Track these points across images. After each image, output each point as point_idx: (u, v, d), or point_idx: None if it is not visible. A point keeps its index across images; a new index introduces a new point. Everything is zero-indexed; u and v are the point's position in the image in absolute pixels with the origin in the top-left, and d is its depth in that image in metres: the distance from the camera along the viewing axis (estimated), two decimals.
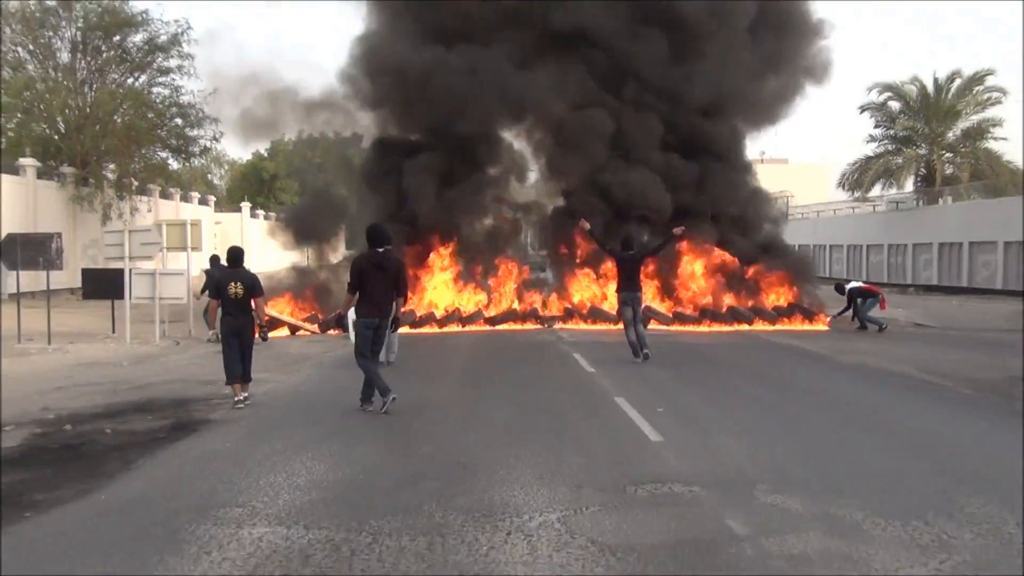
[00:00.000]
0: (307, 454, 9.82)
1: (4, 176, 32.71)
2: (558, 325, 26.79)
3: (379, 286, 12.24)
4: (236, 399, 12.83)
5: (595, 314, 27.30)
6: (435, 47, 28.95)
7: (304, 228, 30.11)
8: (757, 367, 17.77)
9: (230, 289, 12.89)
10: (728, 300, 28.38)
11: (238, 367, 12.94)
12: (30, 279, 23.42)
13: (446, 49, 28.79)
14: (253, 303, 13.10)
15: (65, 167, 36.03)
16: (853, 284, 28.14)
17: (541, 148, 32.08)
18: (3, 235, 22.75)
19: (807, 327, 26.92)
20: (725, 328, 26.52)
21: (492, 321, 27.04)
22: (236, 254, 13.45)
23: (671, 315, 27.31)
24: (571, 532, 6.95)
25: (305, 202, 31.70)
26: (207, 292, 21.39)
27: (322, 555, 6.46)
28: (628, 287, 18.07)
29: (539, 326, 26.69)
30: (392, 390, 12.25)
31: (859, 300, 26.33)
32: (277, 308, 25.77)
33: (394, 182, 29.44)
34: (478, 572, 6.09)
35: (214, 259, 22.67)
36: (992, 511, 7.50)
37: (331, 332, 21.18)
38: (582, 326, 26.59)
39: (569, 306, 28.16)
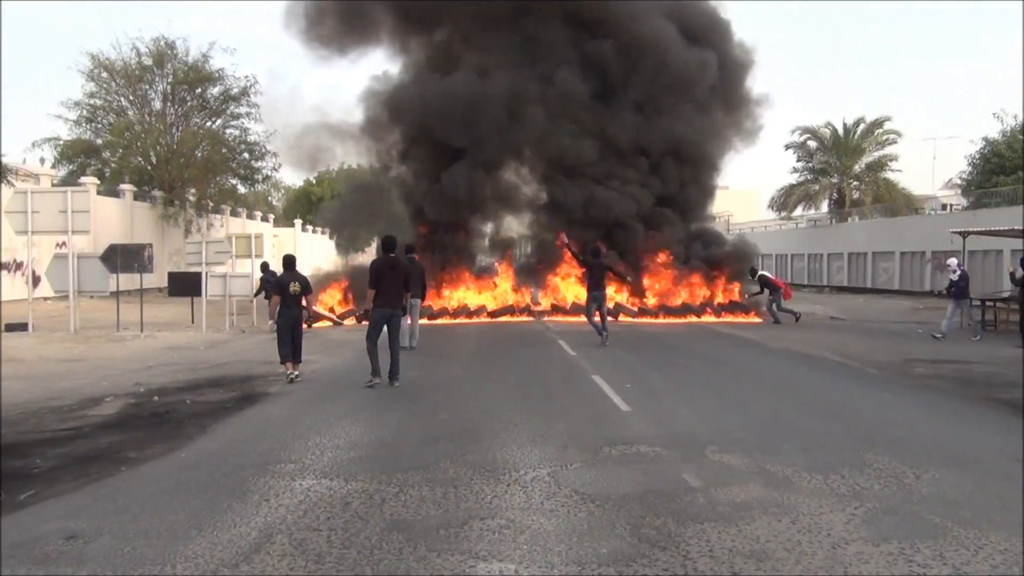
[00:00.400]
0: (346, 420, 9.73)
1: (108, 199, 32.72)
2: (546, 318, 26.68)
3: (392, 283, 12.39)
4: (288, 374, 12.78)
5: (577, 309, 27.18)
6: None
7: (344, 238, 30.01)
8: (705, 351, 17.66)
9: (291, 287, 12.97)
10: (683, 296, 28.25)
11: (288, 349, 12.96)
12: (127, 280, 23.30)
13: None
14: (304, 299, 13.21)
15: (156, 191, 36.10)
16: (762, 272, 27.85)
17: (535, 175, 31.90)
18: (107, 245, 22.71)
19: (745, 319, 26.82)
20: (679, 320, 26.42)
21: (493, 314, 26.94)
22: (290, 260, 13.49)
23: (637, 309, 27.21)
24: (559, 484, 6.85)
25: (346, 216, 31.26)
26: (263, 293, 21.36)
27: (358, 502, 6.36)
28: (596, 288, 18.21)
29: (531, 318, 26.57)
30: (377, 378, 12.20)
31: (768, 292, 26.11)
32: (328, 300, 25.78)
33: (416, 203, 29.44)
34: (483, 516, 5.99)
35: (264, 266, 22.76)
36: (895, 466, 7.41)
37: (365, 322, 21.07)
38: (566, 319, 26.46)
39: (555, 302, 28.05)
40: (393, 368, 12.41)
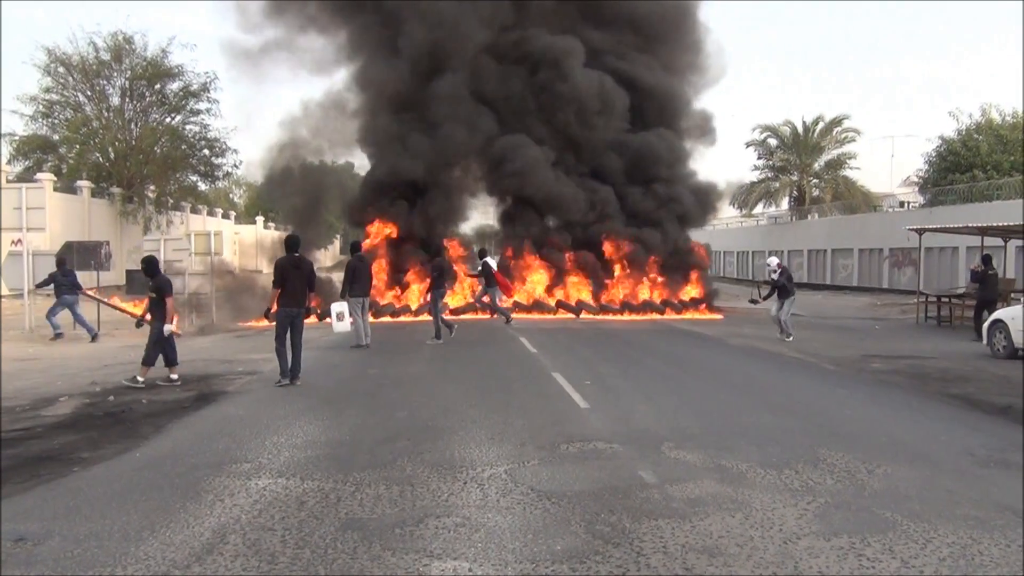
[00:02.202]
0: (304, 419, 9.66)
1: (65, 195, 32.27)
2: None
3: (297, 282, 12.31)
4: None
5: (538, 306, 27.22)
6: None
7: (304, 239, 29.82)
8: (664, 348, 17.77)
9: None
10: (644, 294, 28.38)
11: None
12: (84, 278, 22.94)
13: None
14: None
15: (114, 188, 35.68)
16: (487, 259, 24.06)
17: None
18: (63, 243, 22.40)
19: (707, 316, 26.99)
20: (641, 317, 26.54)
21: (456, 312, 26.86)
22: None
23: (597, 306, 27.29)
24: (515, 481, 6.86)
25: (300, 218, 30.96)
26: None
27: (314, 501, 6.33)
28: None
29: (493, 316, 26.54)
30: (286, 378, 12.14)
31: (485, 284, 23.44)
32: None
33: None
34: (439, 514, 5.98)
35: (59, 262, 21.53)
36: (848, 461, 7.50)
37: (326, 321, 20.79)
38: (528, 316, 26.46)
39: (515, 300, 28.02)
40: (295, 367, 12.25)
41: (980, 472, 7.29)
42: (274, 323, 12.38)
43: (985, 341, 16.35)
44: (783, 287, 19.55)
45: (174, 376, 12.51)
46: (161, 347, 12.45)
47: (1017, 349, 15.44)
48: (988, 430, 9.25)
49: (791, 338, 18.93)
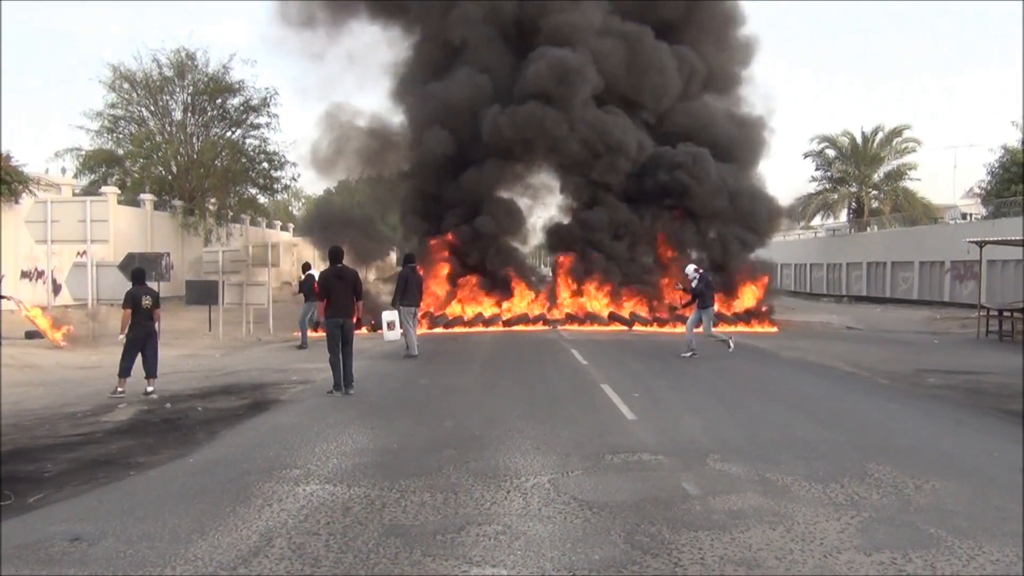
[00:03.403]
0: (354, 427, 9.82)
1: (129, 208, 33.08)
2: (561, 327, 26.71)
3: (341, 293, 12.45)
4: (119, 390, 12.44)
5: (591, 318, 27.23)
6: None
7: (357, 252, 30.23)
8: (715, 360, 17.65)
9: (142, 302, 12.73)
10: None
11: (130, 363, 12.66)
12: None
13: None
14: (155, 314, 13.01)
15: (176, 201, 36.40)
16: (312, 272, 21.05)
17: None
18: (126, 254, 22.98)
19: (761, 329, 26.75)
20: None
21: (507, 323, 26.99)
22: (139, 274, 13.32)
23: (652, 319, 27.21)
24: (558, 491, 6.91)
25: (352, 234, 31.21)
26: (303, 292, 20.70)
27: (359, 507, 6.45)
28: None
29: (546, 327, 26.61)
30: (338, 390, 12.28)
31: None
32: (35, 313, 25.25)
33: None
34: (480, 522, 6.06)
35: (306, 265, 21.96)
36: (895, 476, 7.42)
37: (377, 332, 20.84)
38: (581, 328, 26.47)
39: (569, 311, 28.06)
40: (347, 376, 12.42)
41: None
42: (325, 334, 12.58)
43: None
44: (701, 295, 18.06)
45: (150, 388, 12.50)
46: (131, 357, 12.54)
47: None
48: None
49: (692, 354, 17.42)
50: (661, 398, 12.14)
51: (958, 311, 34.17)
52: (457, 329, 26.09)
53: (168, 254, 22.92)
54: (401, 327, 16.93)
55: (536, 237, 34.93)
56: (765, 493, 6.86)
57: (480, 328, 26.27)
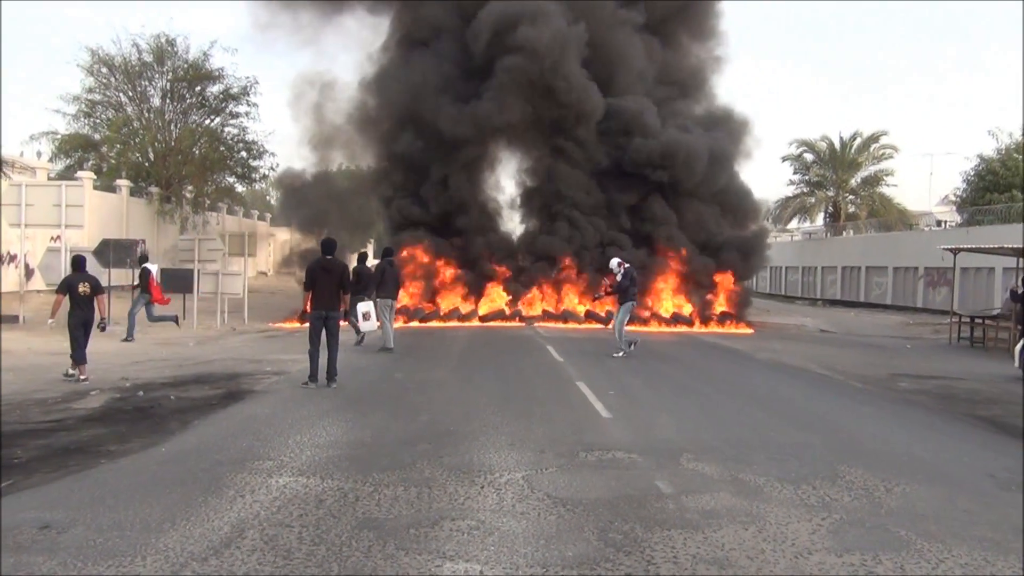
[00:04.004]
0: (328, 419, 9.78)
1: (104, 194, 32.80)
2: (537, 323, 26.72)
3: (327, 285, 12.35)
4: (72, 374, 12.52)
5: (567, 316, 27.26)
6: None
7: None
8: (690, 360, 17.75)
9: (79, 288, 12.64)
10: (673, 306, 28.37)
11: (81, 352, 12.66)
12: (120, 275, 23.33)
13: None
14: (96, 301, 12.94)
15: (152, 187, 36.14)
16: (147, 264, 20.62)
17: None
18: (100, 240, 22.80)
19: (736, 330, 26.89)
20: (670, 329, 26.50)
21: (484, 319, 26.98)
22: (79, 261, 13.18)
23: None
24: (532, 487, 6.91)
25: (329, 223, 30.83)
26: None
27: (332, 500, 6.42)
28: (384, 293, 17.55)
29: (521, 324, 26.61)
30: (313, 382, 12.17)
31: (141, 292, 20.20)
32: None
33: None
34: (454, 517, 6.05)
35: (362, 256, 19.88)
36: (867, 479, 7.47)
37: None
38: (557, 325, 26.50)
39: (546, 308, 28.09)
40: (330, 369, 12.32)
41: (1000, 495, 7.24)
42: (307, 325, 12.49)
43: (1017, 364, 16.15)
44: (624, 290, 17.42)
45: (72, 371, 12.52)
46: (78, 344, 12.53)
47: None
48: (1012, 453, 9.15)
49: (622, 354, 16.90)
50: (636, 396, 12.18)
51: (931, 317, 34.51)
52: (433, 323, 26.06)
53: (143, 241, 22.77)
54: (377, 319, 16.87)
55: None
56: (738, 493, 6.89)
57: (456, 323, 26.25)
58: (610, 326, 18.22)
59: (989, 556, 5.53)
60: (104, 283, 21.94)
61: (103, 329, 13.39)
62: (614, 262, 18.04)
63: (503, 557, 5.27)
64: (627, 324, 17.66)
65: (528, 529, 5.83)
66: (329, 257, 12.62)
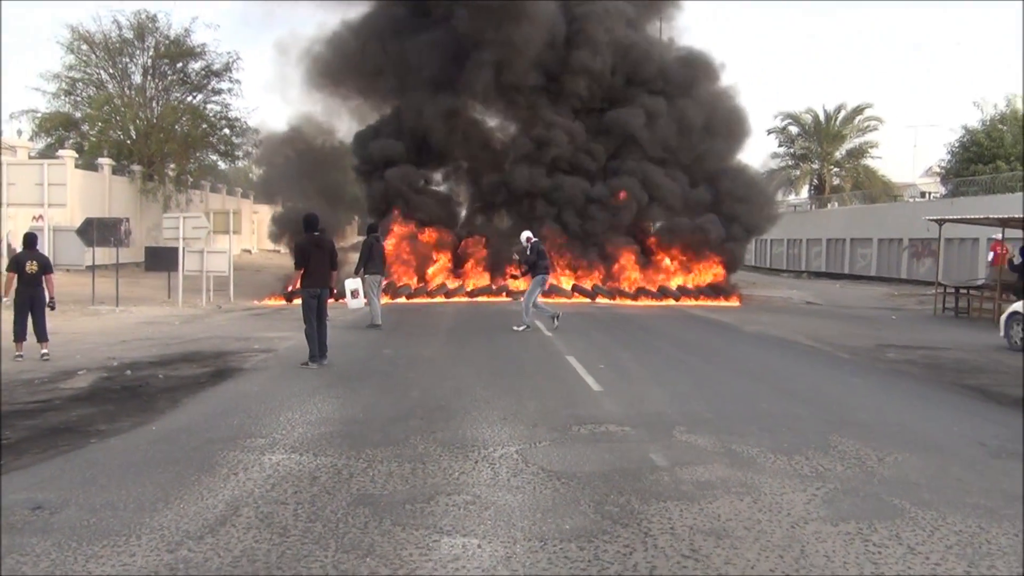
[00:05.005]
0: (318, 396, 9.74)
1: (86, 172, 32.52)
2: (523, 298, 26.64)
3: (319, 262, 12.16)
4: (16, 355, 12.50)
5: (554, 290, 27.23)
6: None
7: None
8: (678, 334, 17.77)
9: (27, 266, 12.64)
10: (661, 279, 28.41)
11: (22, 328, 12.70)
12: (103, 254, 23.15)
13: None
14: (45, 279, 12.90)
15: (134, 166, 35.85)
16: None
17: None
18: (84, 219, 22.62)
19: (723, 303, 26.94)
20: (657, 302, 26.53)
21: (471, 294, 26.93)
22: (31, 239, 13.16)
23: (615, 291, 27.29)
24: (526, 461, 6.91)
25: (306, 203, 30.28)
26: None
27: (326, 477, 6.40)
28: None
29: (508, 299, 26.56)
30: (317, 360, 12.04)
31: None
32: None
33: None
34: (450, 492, 6.04)
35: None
36: (859, 448, 7.50)
37: (341, 301, 20.37)
38: (546, 300, 26.42)
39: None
40: (321, 347, 12.18)
41: (991, 462, 7.28)
42: (298, 303, 12.34)
43: (1003, 333, 16.26)
44: (533, 264, 17.22)
45: (44, 351, 12.53)
46: (20, 321, 12.56)
47: None
48: (1001, 421, 9.23)
49: (523, 328, 16.78)
50: (626, 370, 12.18)
51: (915, 288, 34.68)
52: (420, 300, 25.99)
53: (127, 220, 22.54)
54: (365, 296, 16.79)
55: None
56: (732, 464, 6.90)
57: (442, 299, 26.19)
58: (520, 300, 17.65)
59: (983, 523, 5.56)
60: (88, 262, 22.12)
61: (52, 308, 13.21)
62: (523, 236, 17.88)
63: (500, 531, 5.26)
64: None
65: (524, 503, 5.82)
66: (318, 233, 12.44)
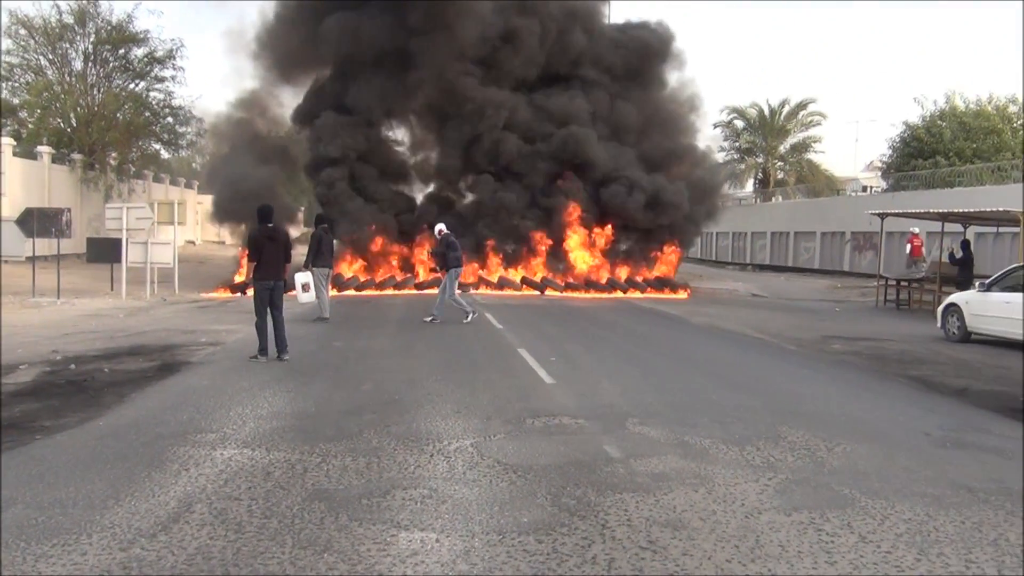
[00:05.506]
0: (269, 390, 9.63)
1: (25, 160, 31.76)
2: (473, 291, 26.61)
3: (272, 254, 11.94)
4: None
5: (503, 283, 27.24)
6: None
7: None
8: (628, 326, 17.88)
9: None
10: (608, 272, 28.56)
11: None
12: (44, 245, 22.66)
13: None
14: None
15: (75, 154, 35.10)
16: None
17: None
18: (23, 209, 22.09)
19: (672, 296, 27.16)
20: (605, 295, 26.67)
21: (420, 286, 26.80)
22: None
23: (564, 284, 27.37)
24: (481, 454, 6.91)
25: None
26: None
27: (280, 472, 6.33)
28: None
29: (458, 291, 26.45)
30: (263, 356, 11.82)
31: None
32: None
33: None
34: (406, 486, 6.01)
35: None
36: (808, 439, 7.62)
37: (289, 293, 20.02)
38: (493, 292, 26.45)
39: (482, 274, 27.99)
40: (280, 342, 11.97)
41: (936, 452, 7.45)
42: (250, 295, 12.14)
43: (940, 324, 16.64)
44: (442, 256, 17.12)
45: None
46: None
47: (970, 333, 15.77)
48: (944, 411, 9.45)
49: (431, 319, 16.73)
50: (578, 362, 12.23)
51: (857, 280, 35.22)
52: (368, 292, 25.82)
53: (68, 210, 22.08)
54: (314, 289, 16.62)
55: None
56: (685, 456, 6.97)
57: (391, 292, 26.05)
58: (455, 293, 17.47)
59: (931, 511, 5.68)
60: (28, 253, 21.63)
61: None
62: (436, 229, 17.80)
63: (458, 525, 5.26)
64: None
65: (481, 496, 5.82)
66: (271, 225, 12.19)
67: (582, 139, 28.37)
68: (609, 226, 28.90)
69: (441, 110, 29.60)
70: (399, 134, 32.60)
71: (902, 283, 24.95)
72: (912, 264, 25.93)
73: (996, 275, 16.35)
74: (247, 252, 12.13)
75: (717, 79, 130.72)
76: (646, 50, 31.62)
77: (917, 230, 26.91)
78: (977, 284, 16.54)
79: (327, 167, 28.37)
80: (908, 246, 26.74)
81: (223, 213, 29.66)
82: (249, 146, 30.62)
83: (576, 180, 28.59)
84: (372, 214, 28.16)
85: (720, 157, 57.14)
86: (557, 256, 28.87)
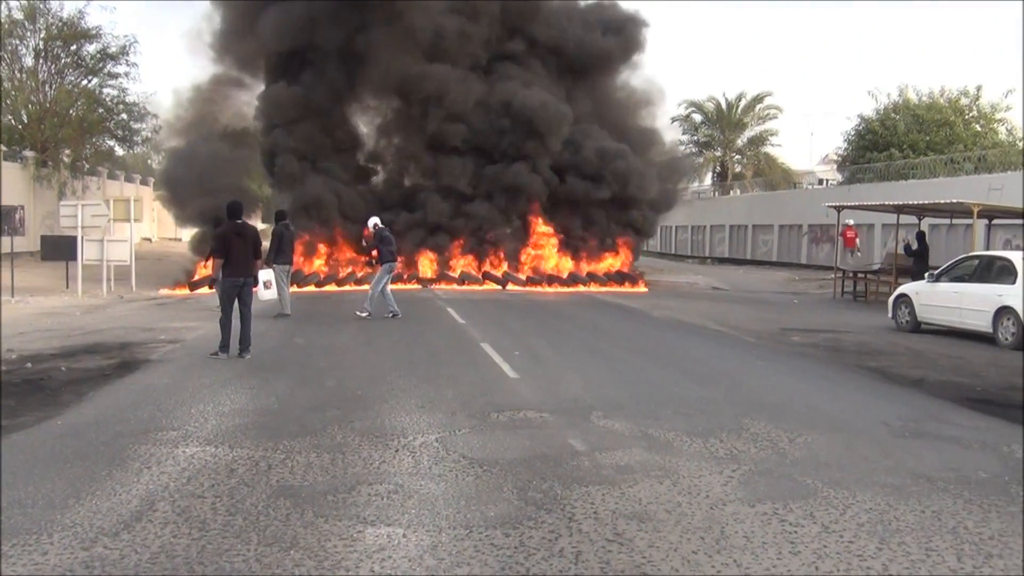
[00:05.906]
0: (231, 387, 9.54)
1: None
2: (434, 286, 26.57)
3: (241, 251, 11.81)
4: None
5: (464, 278, 27.21)
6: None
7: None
8: (589, 320, 17.95)
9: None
10: (570, 266, 28.62)
11: None
12: None
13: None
14: None
15: (27, 151, 34.49)
16: None
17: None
18: None
19: (631, 289, 27.30)
20: (566, 289, 26.74)
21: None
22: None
23: (525, 278, 27.40)
24: (447, 449, 6.90)
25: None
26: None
27: (244, 469, 6.27)
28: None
29: (418, 286, 26.43)
30: (224, 352, 11.64)
31: None
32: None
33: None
34: (371, 482, 5.99)
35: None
36: (770, 430, 7.70)
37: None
38: (453, 287, 26.42)
39: (441, 271, 27.94)
40: (244, 339, 11.83)
41: (895, 442, 7.55)
42: (204, 292, 12.01)
43: (890, 314, 16.92)
44: (380, 252, 16.82)
45: None
46: None
47: (920, 323, 16.06)
48: (902, 401, 9.59)
49: (365, 314, 16.49)
50: (541, 356, 12.25)
51: (815, 273, 35.67)
52: (329, 288, 25.67)
53: (21, 207, 21.73)
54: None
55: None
56: (649, 448, 7.01)
57: (351, 287, 25.90)
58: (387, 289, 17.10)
59: (891, 501, 5.76)
60: None
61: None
62: (371, 222, 17.64)
63: (425, 520, 5.24)
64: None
65: (447, 491, 5.81)
66: (240, 221, 12.04)
67: (539, 104, 28.28)
68: (570, 214, 29.09)
69: (393, 93, 29.56)
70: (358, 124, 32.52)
71: (859, 275, 25.30)
72: (848, 254, 27.04)
73: (944, 266, 16.66)
74: (214, 248, 11.93)
75: (673, 74, 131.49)
76: (615, 34, 31.81)
77: (851, 222, 28.05)
78: (927, 275, 16.82)
79: (275, 130, 28.37)
80: (841, 239, 27.60)
81: (172, 184, 29.48)
82: (208, 132, 30.46)
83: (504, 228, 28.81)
84: (328, 186, 28.03)
85: (679, 150, 57.67)
86: (517, 253, 28.85)
